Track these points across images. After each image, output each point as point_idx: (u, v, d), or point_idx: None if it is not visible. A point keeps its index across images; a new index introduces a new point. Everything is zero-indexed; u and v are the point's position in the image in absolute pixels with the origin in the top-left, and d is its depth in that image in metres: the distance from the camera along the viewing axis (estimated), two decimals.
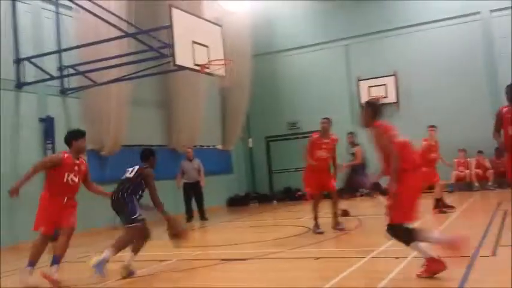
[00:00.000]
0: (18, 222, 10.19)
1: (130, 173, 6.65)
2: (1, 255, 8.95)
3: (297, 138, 17.77)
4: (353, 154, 11.45)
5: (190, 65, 10.27)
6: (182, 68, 10.32)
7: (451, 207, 10.41)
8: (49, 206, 6.24)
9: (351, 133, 11.96)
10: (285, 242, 8.27)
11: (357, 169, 11.10)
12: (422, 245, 4.97)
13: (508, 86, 7.08)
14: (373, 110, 5.31)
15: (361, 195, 14.19)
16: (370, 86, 17.30)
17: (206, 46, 10.55)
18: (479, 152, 15.50)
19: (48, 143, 11.18)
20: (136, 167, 6.67)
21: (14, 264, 7.51)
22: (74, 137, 6.47)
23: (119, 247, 6.35)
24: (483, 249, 6.10)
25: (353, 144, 11.62)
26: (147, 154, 6.78)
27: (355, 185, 11.26)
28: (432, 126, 10.84)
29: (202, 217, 12.89)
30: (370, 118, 5.28)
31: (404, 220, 4.98)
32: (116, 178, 7.06)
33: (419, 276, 4.92)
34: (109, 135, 12.36)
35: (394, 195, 4.95)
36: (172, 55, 9.83)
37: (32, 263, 6.14)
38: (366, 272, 5.63)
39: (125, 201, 6.45)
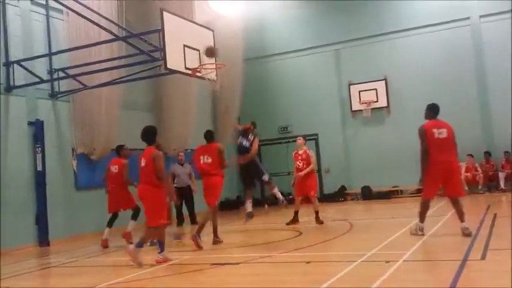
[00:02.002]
0: None
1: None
2: None
3: (288, 142, 17.77)
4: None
5: (181, 68, 10.22)
6: (173, 71, 10.27)
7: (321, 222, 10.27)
8: (164, 200, 7.10)
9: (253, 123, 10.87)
10: (275, 246, 8.26)
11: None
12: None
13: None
14: None
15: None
16: (361, 91, 17.40)
17: (197, 50, 10.52)
18: (469, 155, 15.58)
19: (38, 147, 11.05)
20: None
21: None
22: (156, 133, 7.23)
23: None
24: (473, 253, 6.12)
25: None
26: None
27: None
28: (302, 137, 11.35)
29: (193, 221, 12.84)
30: None
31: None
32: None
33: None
34: (99, 139, 12.29)
35: None
36: (164, 58, 9.79)
37: (142, 244, 7.05)
38: (357, 275, 5.63)
39: None
